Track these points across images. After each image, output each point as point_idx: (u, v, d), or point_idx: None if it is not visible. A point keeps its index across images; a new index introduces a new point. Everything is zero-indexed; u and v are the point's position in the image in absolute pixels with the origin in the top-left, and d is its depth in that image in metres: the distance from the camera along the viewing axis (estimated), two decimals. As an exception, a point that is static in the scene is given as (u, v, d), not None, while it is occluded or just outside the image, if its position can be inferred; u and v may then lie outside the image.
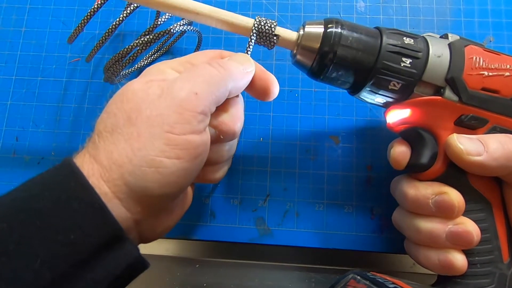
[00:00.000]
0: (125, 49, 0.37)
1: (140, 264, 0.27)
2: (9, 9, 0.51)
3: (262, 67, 0.35)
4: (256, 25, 0.34)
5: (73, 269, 0.24)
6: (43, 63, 0.49)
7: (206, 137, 0.30)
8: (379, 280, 0.32)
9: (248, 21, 0.34)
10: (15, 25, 0.50)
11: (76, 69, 0.48)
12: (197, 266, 0.44)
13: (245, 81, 0.33)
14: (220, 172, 0.37)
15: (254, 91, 0.35)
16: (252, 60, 0.33)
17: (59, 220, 0.24)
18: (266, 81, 0.34)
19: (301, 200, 0.43)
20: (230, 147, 0.36)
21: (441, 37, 0.34)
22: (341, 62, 0.32)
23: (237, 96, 0.34)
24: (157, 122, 0.27)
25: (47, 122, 0.47)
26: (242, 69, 0.32)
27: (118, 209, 0.26)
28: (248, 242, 0.43)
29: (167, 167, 0.27)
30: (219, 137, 0.32)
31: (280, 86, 0.45)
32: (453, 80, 0.31)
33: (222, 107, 0.32)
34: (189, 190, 0.35)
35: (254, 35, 0.34)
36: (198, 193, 0.44)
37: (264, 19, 0.34)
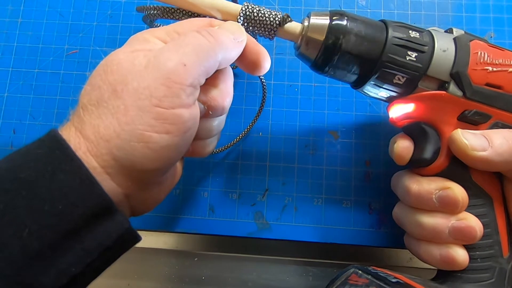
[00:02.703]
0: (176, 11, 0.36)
1: (132, 236, 0.27)
2: (5, -1, 0.50)
3: (253, 39, 0.33)
4: (243, 11, 0.33)
5: (62, 239, 0.23)
6: (40, 55, 0.48)
7: (195, 111, 0.29)
8: (381, 274, 0.32)
9: (238, 8, 0.33)
10: (11, 16, 0.49)
11: (74, 61, 0.48)
12: (195, 259, 0.44)
13: (236, 52, 0.31)
14: (210, 147, 0.36)
15: (245, 63, 0.34)
16: (243, 30, 0.32)
17: (45, 190, 0.24)
18: (257, 54, 0.33)
19: (299, 195, 0.43)
20: (219, 122, 0.35)
21: (445, 31, 0.34)
22: (346, 55, 0.32)
23: (226, 69, 0.33)
24: (145, 95, 0.26)
25: (44, 115, 0.46)
26: (233, 38, 0.31)
27: (108, 184, 0.26)
28: (247, 236, 0.43)
29: (156, 142, 0.26)
30: (208, 113, 0.32)
31: (279, 81, 0.46)
32: (458, 75, 0.31)
33: (211, 81, 0.31)
34: (178, 164, 0.34)
35: (241, 19, 0.33)
36: (197, 188, 0.44)
37: (253, 5, 0.33)
